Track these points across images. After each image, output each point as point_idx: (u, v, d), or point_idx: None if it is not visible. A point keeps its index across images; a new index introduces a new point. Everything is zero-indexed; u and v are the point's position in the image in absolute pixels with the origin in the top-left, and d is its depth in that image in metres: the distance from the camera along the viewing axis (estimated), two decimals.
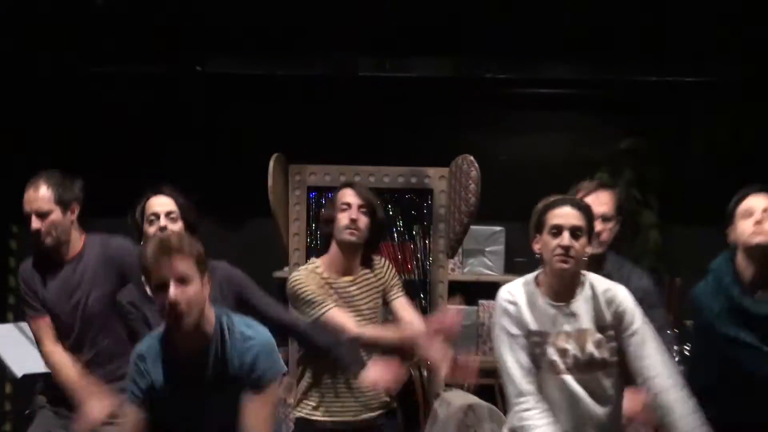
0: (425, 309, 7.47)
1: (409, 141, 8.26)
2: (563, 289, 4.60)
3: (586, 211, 4.65)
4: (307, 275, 5.70)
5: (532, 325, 4.59)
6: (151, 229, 5.32)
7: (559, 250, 4.51)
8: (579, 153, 8.73)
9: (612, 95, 8.97)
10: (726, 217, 5.07)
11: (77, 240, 5.62)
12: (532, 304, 4.62)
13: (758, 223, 4.90)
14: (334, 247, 5.74)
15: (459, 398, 7.00)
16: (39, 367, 6.42)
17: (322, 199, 7.37)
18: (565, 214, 4.57)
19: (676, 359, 7.49)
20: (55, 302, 5.56)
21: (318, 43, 8.47)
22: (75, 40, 8.67)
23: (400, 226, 7.64)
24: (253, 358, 4.36)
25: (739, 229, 4.97)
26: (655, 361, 4.53)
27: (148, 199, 5.41)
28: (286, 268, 7.53)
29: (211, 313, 4.38)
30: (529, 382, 4.55)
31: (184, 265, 4.26)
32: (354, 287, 5.79)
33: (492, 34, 8.31)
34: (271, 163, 6.93)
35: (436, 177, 7.20)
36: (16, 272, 8.51)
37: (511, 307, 4.61)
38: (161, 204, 5.36)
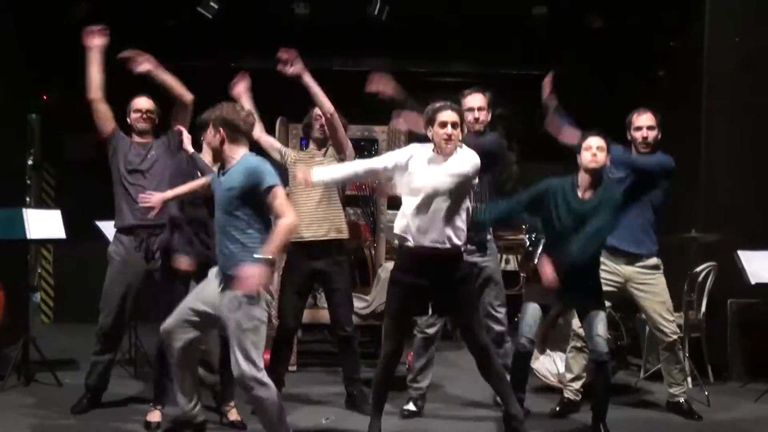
0: (373, 213, 8.05)
1: (365, 110, 7.84)
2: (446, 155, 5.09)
3: (459, 113, 5.21)
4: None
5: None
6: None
7: (445, 136, 5.08)
8: None
9: (491, 80, 8.82)
10: (577, 149, 5.56)
11: None
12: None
13: (594, 155, 5.46)
14: (311, 143, 6.34)
15: None
16: None
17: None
18: (448, 114, 5.11)
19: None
20: None
21: (308, 48, 9.05)
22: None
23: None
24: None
25: (582, 156, 5.50)
26: None
27: None
28: (285, 189, 8.22)
29: (237, 153, 4.88)
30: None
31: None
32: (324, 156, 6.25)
33: (415, 43, 9.01)
34: (277, 123, 7.53)
35: (380, 132, 7.83)
36: None
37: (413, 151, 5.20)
38: None
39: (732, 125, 7.69)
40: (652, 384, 7.02)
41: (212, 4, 8.46)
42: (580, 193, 5.54)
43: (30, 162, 10.04)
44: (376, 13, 8.54)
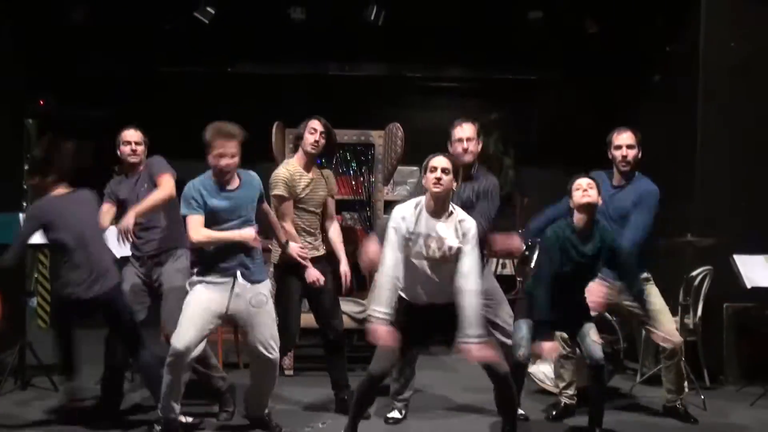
0: (369, 218, 8.15)
1: (361, 114, 8.49)
2: (438, 209, 5.05)
3: (452, 159, 5.16)
4: (283, 170, 6.05)
5: (412, 227, 5.02)
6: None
7: (434, 179, 5.03)
8: None
9: (486, 85, 9.58)
10: (568, 192, 5.54)
11: None
12: (418, 214, 5.06)
13: (585, 191, 5.46)
14: (300, 153, 6.10)
15: None
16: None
17: None
18: (438, 160, 5.10)
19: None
20: None
21: (305, 53, 9.17)
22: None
23: (354, 166, 8.43)
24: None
25: (573, 196, 5.50)
26: (468, 269, 4.98)
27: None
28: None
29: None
30: (395, 268, 4.97)
31: (236, 147, 5.32)
32: (311, 182, 6.13)
33: (411, 48, 9.07)
34: (274, 128, 7.49)
35: (376, 136, 7.74)
36: None
37: (400, 220, 5.04)
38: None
39: (727, 130, 7.69)
40: (648, 388, 7.00)
41: (209, 9, 8.44)
42: (578, 238, 5.56)
43: (26, 167, 9.99)
44: (372, 18, 8.51)
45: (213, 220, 5.37)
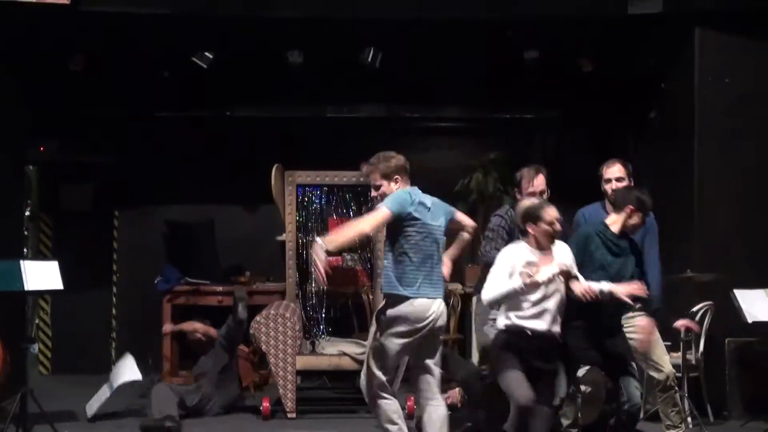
0: (370, 258, 8.16)
1: (360, 155, 7.76)
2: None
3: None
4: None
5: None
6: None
7: (552, 232, 5.38)
8: (463, 161, 9.30)
9: (485, 125, 9.65)
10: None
11: None
12: None
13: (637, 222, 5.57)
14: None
15: None
16: None
17: (305, 191, 8.07)
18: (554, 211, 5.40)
19: None
20: None
21: (303, 96, 9.27)
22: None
23: (353, 207, 8.33)
24: None
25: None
26: None
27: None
28: (283, 234, 8.09)
29: None
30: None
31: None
32: None
33: (409, 89, 9.17)
34: (273, 171, 7.59)
35: None
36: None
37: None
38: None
39: (725, 165, 7.73)
40: (652, 425, 6.88)
41: (207, 54, 8.52)
42: (614, 229, 5.62)
43: (27, 213, 10.03)
44: (369, 60, 8.59)
45: None
